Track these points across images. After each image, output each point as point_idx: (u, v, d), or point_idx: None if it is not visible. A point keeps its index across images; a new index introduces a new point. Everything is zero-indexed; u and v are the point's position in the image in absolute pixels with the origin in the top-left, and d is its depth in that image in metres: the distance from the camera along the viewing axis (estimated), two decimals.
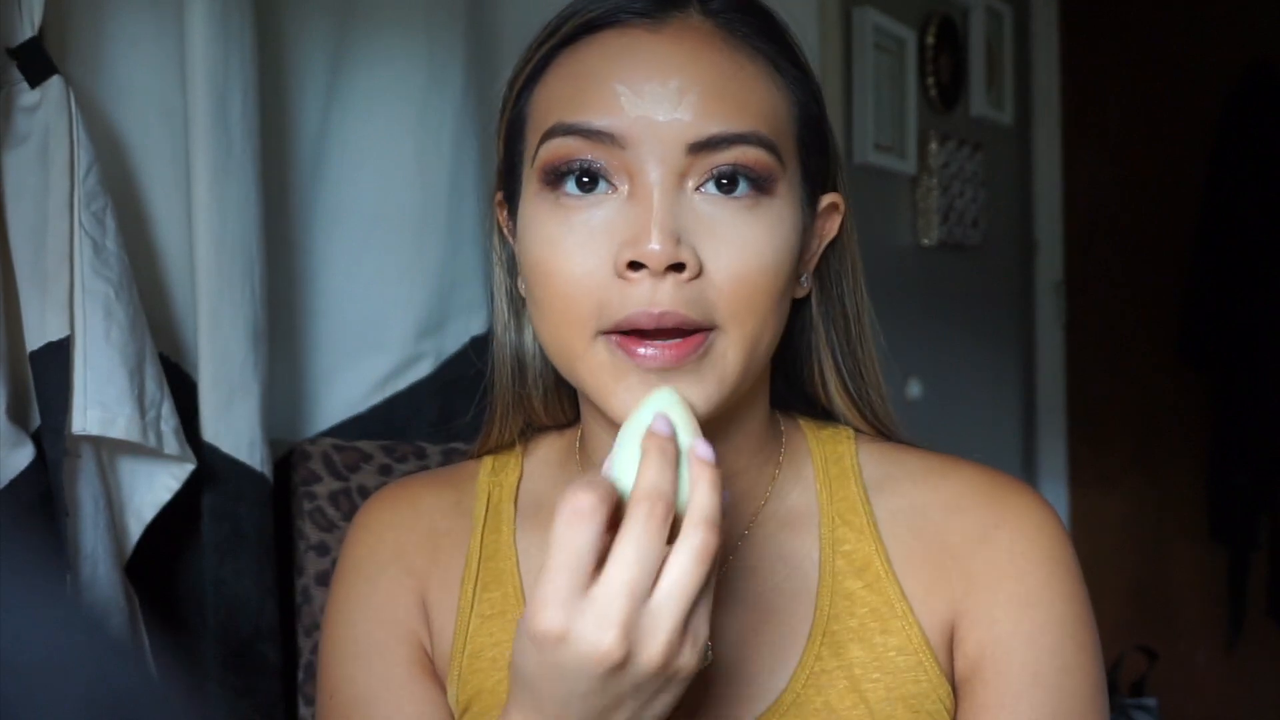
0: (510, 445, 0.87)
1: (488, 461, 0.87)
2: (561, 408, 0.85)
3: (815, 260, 0.79)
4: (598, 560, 0.61)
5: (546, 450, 0.86)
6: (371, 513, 0.87)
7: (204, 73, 1.12)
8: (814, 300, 0.81)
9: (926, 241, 2.39)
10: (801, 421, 0.84)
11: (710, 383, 0.70)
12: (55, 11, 1.06)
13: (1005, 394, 2.84)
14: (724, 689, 0.76)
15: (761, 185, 0.70)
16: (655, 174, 0.69)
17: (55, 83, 1.02)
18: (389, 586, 0.83)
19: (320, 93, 1.31)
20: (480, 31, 1.41)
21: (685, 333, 0.69)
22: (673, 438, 0.63)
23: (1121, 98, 3.05)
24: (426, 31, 1.35)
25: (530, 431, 0.88)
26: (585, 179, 0.70)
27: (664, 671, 0.61)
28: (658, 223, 0.67)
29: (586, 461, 0.82)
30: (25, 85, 1.02)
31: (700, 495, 0.62)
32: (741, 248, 0.70)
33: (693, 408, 0.67)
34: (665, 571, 0.60)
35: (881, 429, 0.83)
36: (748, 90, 0.71)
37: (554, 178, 0.71)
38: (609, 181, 0.70)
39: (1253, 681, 3.00)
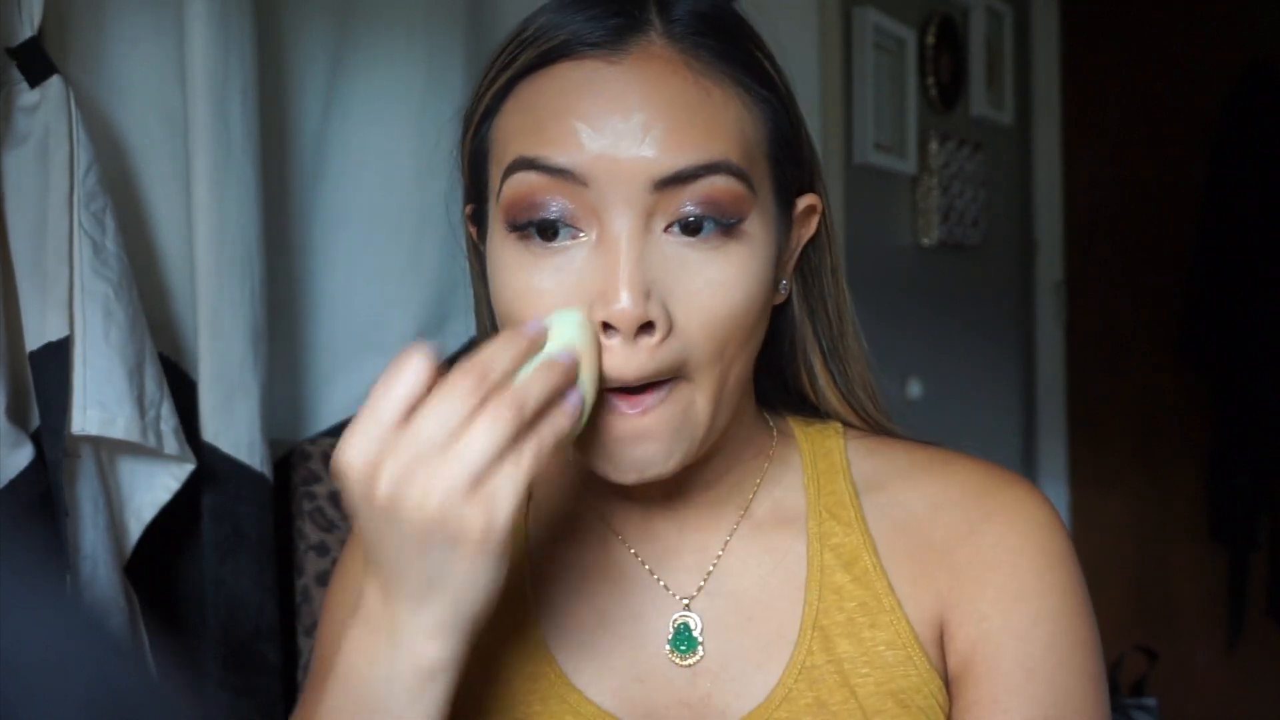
0: None
1: None
2: None
3: (794, 260, 0.79)
4: (405, 412, 0.62)
5: None
6: None
7: (204, 73, 1.12)
8: (796, 300, 0.80)
9: (926, 241, 2.39)
10: (790, 419, 0.84)
11: (685, 438, 0.70)
12: (55, 11, 1.05)
13: (1005, 394, 2.85)
14: (715, 684, 0.76)
15: (729, 226, 0.68)
16: (622, 218, 0.67)
17: (55, 83, 1.02)
18: None
19: (320, 93, 1.31)
20: (480, 32, 1.41)
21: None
22: (536, 337, 0.65)
23: (1121, 98, 3.05)
24: (426, 33, 1.35)
25: None
26: (547, 229, 0.68)
27: (443, 524, 0.61)
28: (626, 277, 0.66)
29: (577, 460, 0.82)
30: (25, 85, 1.02)
31: (526, 379, 0.63)
32: (711, 294, 0.68)
33: (665, 460, 0.70)
34: (463, 429, 0.61)
35: (872, 423, 0.83)
36: (715, 118, 0.68)
37: (519, 226, 0.69)
38: (574, 227, 0.68)
39: (1253, 682, 3.00)
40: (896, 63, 2.28)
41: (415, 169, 1.35)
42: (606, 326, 0.67)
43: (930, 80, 2.41)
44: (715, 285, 0.68)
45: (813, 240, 0.79)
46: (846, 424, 0.83)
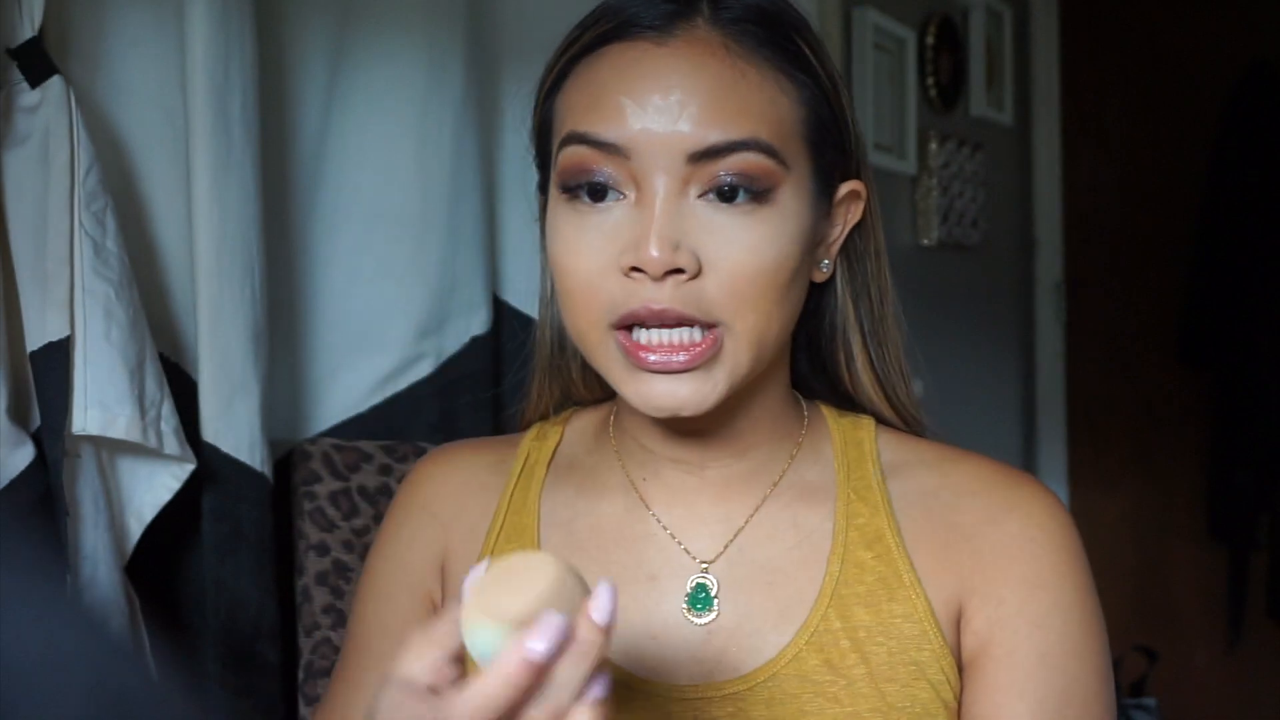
0: (546, 415, 0.92)
1: (534, 429, 0.92)
2: (599, 380, 0.89)
3: (838, 244, 0.83)
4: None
5: (585, 422, 0.91)
6: (418, 467, 0.93)
7: (204, 73, 1.12)
8: (840, 281, 0.85)
9: (926, 241, 2.39)
10: (823, 407, 0.88)
11: (720, 379, 0.75)
12: (55, 11, 1.06)
13: (1005, 394, 2.84)
14: (728, 642, 0.79)
15: (760, 194, 0.74)
16: (659, 182, 0.73)
17: (55, 83, 1.02)
18: (411, 533, 0.88)
19: (320, 93, 1.31)
20: (480, 32, 1.41)
21: (689, 328, 0.73)
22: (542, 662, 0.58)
23: (1121, 98, 3.05)
24: (426, 32, 1.35)
25: (571, 405, 0.93)
26: (596, 191, 0.75)
27: None
28: (657, 230, 0.72)
29: (620, 434, 0.86)
30: (25, 85, 1.02)
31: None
32: (741, 248, 0.73)
33: (701, 401, 0.74)
34: None
35: (902, 411, 0.88)
36: (749, 98, 0.74)
37: (570, 187, 0.76)
38: (618, 190, 0.75)
39: (1253, 681, 3.00)
40: (896, 63, 2.28)
41: (416, 169, 1.35)
42: (635, 270, 0.73)
43: (930, 80, 2.41)
44: (744, 244, 0.73)
45: (858, 226, 0.84)
46: (878, 416, 0.87)
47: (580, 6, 0.81)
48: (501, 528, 0.86)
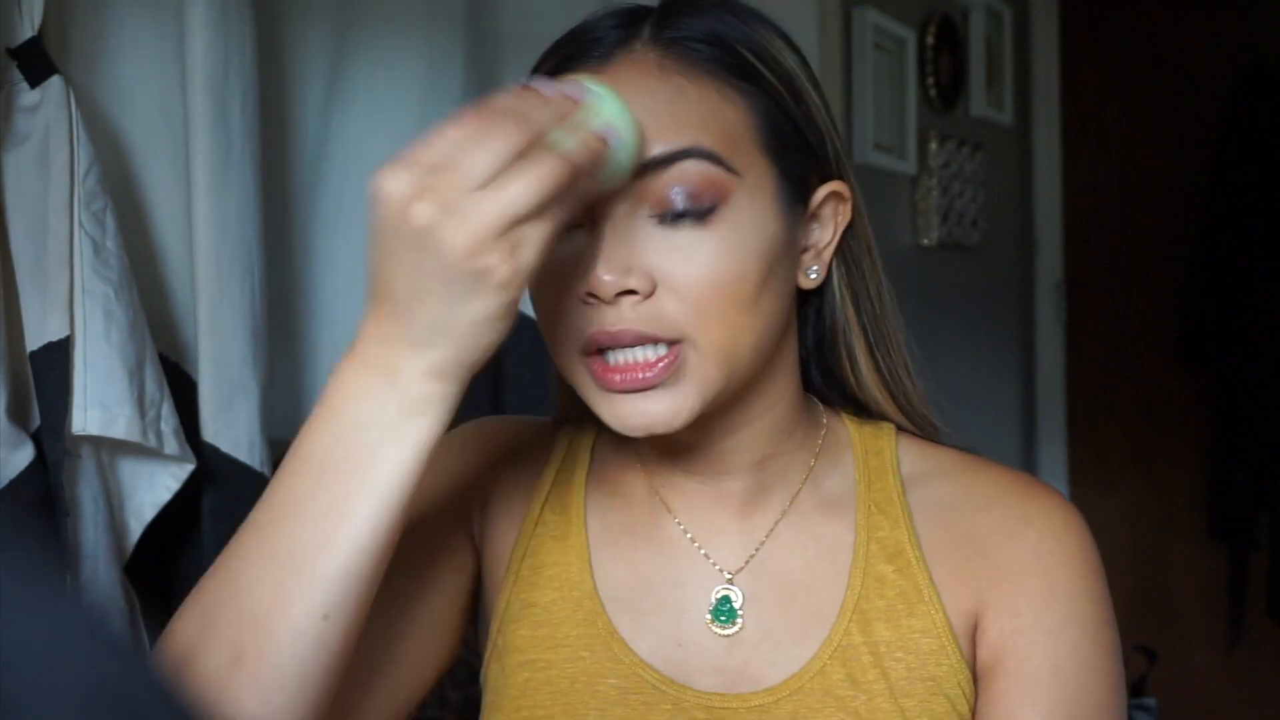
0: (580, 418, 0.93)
1: (569, 427, 0.92)
2: None
3: (831, 248, 0.82)
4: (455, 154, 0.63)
5: None
6: (460, 427, 0.91)
7: (204, 73, 1.12)
8: (839, 284, 0.85)
9: (926, 241, 2.39)
10: (845, 416, 0.88)
11: (690, 394, 0.74)
12: (55, 11, 1.06)
13: (1005, 394, 2.84)
14: (751, 654, 0.80)
15: (706, 210, 0.73)
16: (608, 205, 0.73)
17: (55, 83, 1.02)
18: (451, 458, 0.87)
19: (320, 93, 1.31)
20: (479, 33, 1.41)
21: (652, 346, 0.73)
22: (568, 100, 0.67)
23: (1121, 98, 3.06)
24: (426, 33, 1.36)
25: None
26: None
27: (470, 261, 0.62)
28: (605, 255, 0.72)
29: (639, 443, 0.86)
30: (25, 85, 1.02)
31: (570, 137, 0.65)
32: (696, 263, 0.73)
33: (672, 418, 0.74)
34: (505, 174, 0.62)
35: (910, 413, 0.87)
36: (688, 110, 0.74)
37: None
38: (575, 221, 0.74)
39: (1253, 681, 3.00)
40: (896, 63, 2.28)
41: None
42: (590, 295, 0.73)
43: (930, 80, 2.41)
44: (698, 258, 0.73)
45: (849, 227, 0.83)
46: (887, 418, 0.87)
47: (580, 7, 0.81)
48: (548, 496, 0.87)
